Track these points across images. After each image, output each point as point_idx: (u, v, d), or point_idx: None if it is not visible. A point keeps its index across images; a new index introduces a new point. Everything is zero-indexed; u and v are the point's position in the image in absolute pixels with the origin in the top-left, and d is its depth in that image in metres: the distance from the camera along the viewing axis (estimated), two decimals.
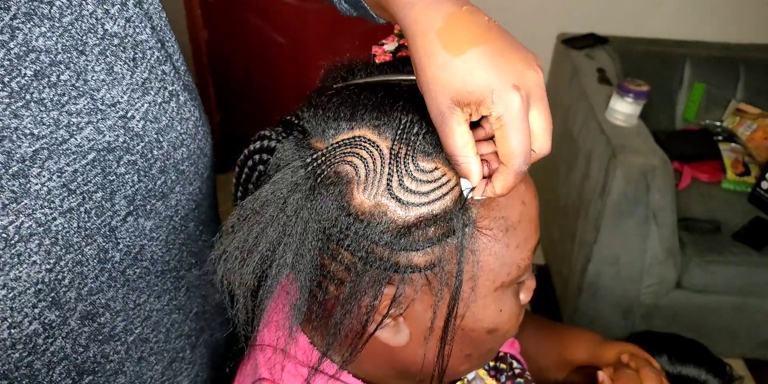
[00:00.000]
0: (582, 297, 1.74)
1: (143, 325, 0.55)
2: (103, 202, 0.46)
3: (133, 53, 0.46)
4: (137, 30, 0.47)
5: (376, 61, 0.48)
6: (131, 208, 0.48)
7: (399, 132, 0.42)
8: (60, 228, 0.43)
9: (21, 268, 0.42)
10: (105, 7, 0.45)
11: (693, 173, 1.89)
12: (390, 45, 0.49)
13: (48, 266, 0.43)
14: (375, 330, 0.45)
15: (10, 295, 0.41)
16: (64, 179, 0.42)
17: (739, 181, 1.86)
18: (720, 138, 2.01)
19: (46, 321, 0.45)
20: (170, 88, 0.50)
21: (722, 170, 1.90)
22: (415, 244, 0.42)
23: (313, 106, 0.46)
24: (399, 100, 0.44)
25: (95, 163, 0.44)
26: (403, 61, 0.48)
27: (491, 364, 0.64)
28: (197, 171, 0.54)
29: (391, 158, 0.42)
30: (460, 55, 0.38)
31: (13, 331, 0.43)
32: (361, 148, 0.43)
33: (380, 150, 0.42)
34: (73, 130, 0.43)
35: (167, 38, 0.52)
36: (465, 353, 0.49)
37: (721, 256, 1.64)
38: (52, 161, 0.42)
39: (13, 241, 0.41)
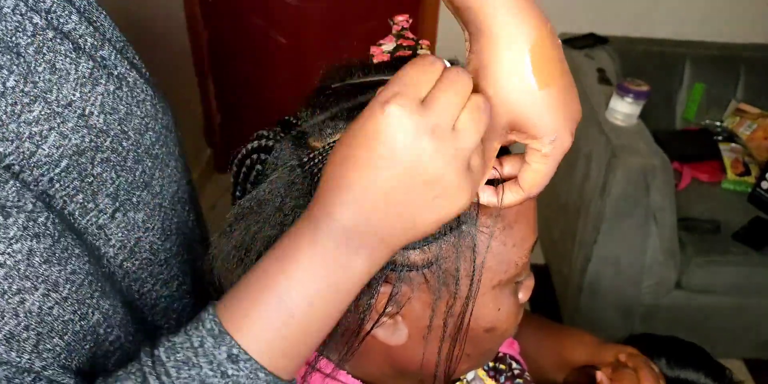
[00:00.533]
0: (582, 297, 1.74)
1: (152, 313, 0.54)
2: (86, 204, 0.45)
3: (70, 45, 0.44)
4: (61, 20, 0.44)
5: (374, 61, 0.48)
6: (117, 204, 0.47)
7: None
8: (48, 221, 0.42)
9: (74, 262, 0.42)
10: (24, 1, 0.41)
11: (693, 173, 1.89)
12: (388, 45, 0.48)
13: (87, 258, 0.43)
14: (371, 328, 0.46)
15: (73, 288, 0.42)
16: (42, 187, 0.41)
17: (739, 181, 1.86)
18: (720, 138, 2.01)
19: (103, 310, 0.45)
20: (116, 72, 0.47)
21: (722, 170, 1.90)
22: (411, 242, 0.42)
23: (311, 105, 0.46)
24: None
25: (70, 169, 0.43)
26: (400, 61, 0.48)
27: (490, 364, 0.64)
28: (169, 151, 0.53)
29: None
30: (542, 88, 0.37)
31: (83, 323, 0.43)
32: None
33: None
34: (38, 141, 0.40)
35: (95, 17, 0.48)
36: (464, 352, 0.49)
37: (721, 256, 1.64)
38: (26, 174, 0.40)
39: (56, 236, 0.40)
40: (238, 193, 0.51)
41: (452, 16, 0.41)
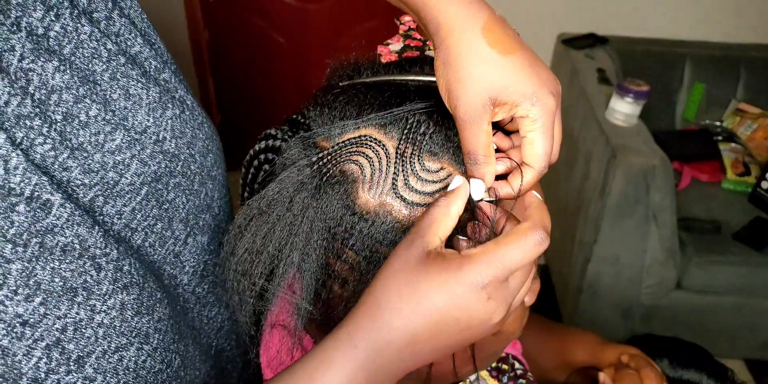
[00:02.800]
0: (582, 297, 1.74)
1: (217, 337, 0.55)
2: (164, 232, 0.45)
3: (139, 69, 0.43)
4: (129, 43, 0.44)
5: (382, 60, 0.48)
6: (188, 229, 0.48)
7: (405, 131, 0.42)
8: (132, 267, 0.42)
9: (158, 308, 0.42)
10: (96, 25, 0.41)
11: (693, 173, 1.89)
12: (395, 45, 0.48)
13: (167, 300, 0.43)
14: None
15: (160, 336, 0.42)
16: (125, 220, 0.41)
17: (739, 181, 1.86)
18: (720, 138, 2.01)
19: (181, 352, 0.45)
20: (177, 96, 0.47)
21: (722, 170, 1.90)
22: None
23: (320, 104, 0.46)
24: (406, 100, 0.44)
25: (149, 197, 0.43)
26: (409, 62, 0.48)
27: (493, 364, 0.64)
28: (222, 173, 0.53)
29: (396, 158, 0.42)
30: (507, 55, 0.38)
31: (169, 370, 0.43)
32: (367, 148, 0.43)
33: (386, 149, 0.42)
34: (122, 170, 0.41)
35: (154, 40, 0.49)
36: (468, 355, 0.49)
37: (721, 256, 1.64)
38: (109, 205, 0.40)
39: (141, 284, 0.40)
40: (246, 194, 0.51)
41: None
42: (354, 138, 0.43)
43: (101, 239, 0.38)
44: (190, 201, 0.47)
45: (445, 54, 0.40)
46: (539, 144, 0.40)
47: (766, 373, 1.81)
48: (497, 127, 0.43)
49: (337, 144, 0.43)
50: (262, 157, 0.49)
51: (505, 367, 0.65)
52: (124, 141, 0.41)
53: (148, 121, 0.43)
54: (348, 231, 0.42)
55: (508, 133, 0.44)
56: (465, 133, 0.40)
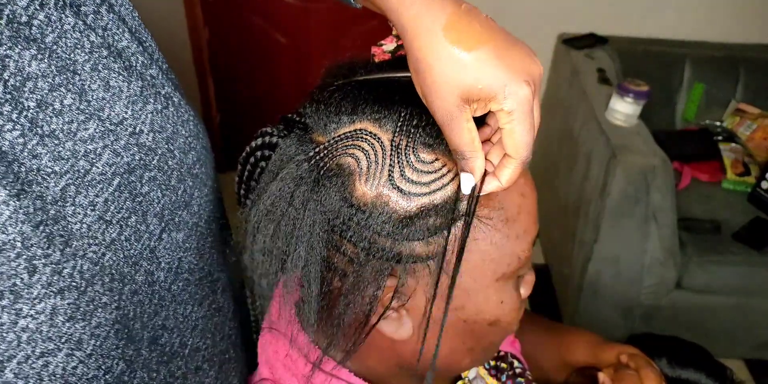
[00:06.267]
0: (582, 297, 1.74)
1: (192, 336, 0.54)
2: (138, 226, 0.45)
3: (122, 63, 0.44)
4: (116, 37, 0.44)
5: (376, 60, 0.49)
6: (163, 224, 0.47)
7: (399, 124, 0.43)
8: (111, 262, 0.42)
9: (99, 314, 0.41)
10: (83, 18, 0.41)
11: (693, 173, 1.90)
12: (388, 45, 0.49)
13: (116, 304, 0.42)
14: (377, 321, 0.46)
15: (98, 342, 0.41)
16: (98, 212, 0.41)
17: (739, 181, 1.87)
18: (720, 138, 2.01)
19: (127, 358, 0.44)
20: (163, 92, 0.47)
21: (722, 170, 1.90)
22: (416, 233, 0.43)
23: (315, 101, 0.47)
24: (399, 94, 0.44)
25: (122, 188, 0.43)
26: (402, 60, 0.48)
27: (492, 363, 0.64)
28: (207, 172, 0.53)
29: (392, 150, 0.43)
30: (472, 50, 0.38)
31: (107, 376, 0.42)
32: (362, 141, 0.43)
33: (381, 142, 0.43)
34: (93, 159, 0.40)
35: (144, 37, 0.49)
36: (467, 346, 0.49)
37: (721, 256, 1.64)
38: (82, 195, 0.40)
39: (82, 288, 0.39)
40: (242, 191, 0.51)
41: None
42: (349, 132, 0.44)
43: (45, 239, 0.37)
44: (166, 196, 0.47)
45: (413, 60, 0.40)
46: (518, 135, 0.39)
47: (765, 373, 1.81)
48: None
49: (333, 138, 0.44)
50: (258, 154, 0.49)
51: (503, 365, 0.65)
52: (97, 131, 0.40)
53: (126, 113, 0.43)
54: (346, 223, 0.43)
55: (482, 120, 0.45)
56: (447, 133, 0.40)
